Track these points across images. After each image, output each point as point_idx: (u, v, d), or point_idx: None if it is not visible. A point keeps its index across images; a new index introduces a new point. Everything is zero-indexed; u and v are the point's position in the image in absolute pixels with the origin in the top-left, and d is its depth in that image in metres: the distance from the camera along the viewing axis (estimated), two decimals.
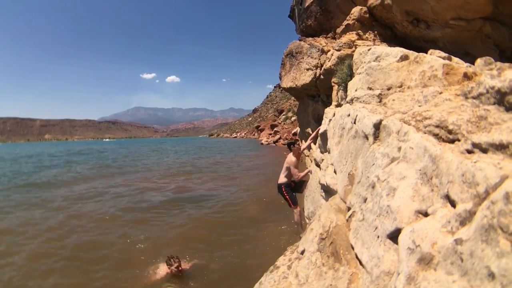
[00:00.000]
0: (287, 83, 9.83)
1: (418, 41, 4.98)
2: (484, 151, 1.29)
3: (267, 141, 51.58)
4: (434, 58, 2.65)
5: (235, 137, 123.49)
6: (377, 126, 2.43)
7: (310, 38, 8.96)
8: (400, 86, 3.01)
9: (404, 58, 3.17)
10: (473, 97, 1.57)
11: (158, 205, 9.17)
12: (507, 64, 1.46)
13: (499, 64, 1.54)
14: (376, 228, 1.80)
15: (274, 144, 45.96)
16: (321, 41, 8.24)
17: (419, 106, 2.23)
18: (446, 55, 2.86)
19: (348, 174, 2.89)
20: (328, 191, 3.91)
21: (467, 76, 2.20)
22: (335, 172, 3.63)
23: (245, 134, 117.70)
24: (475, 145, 1.34)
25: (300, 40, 9.42)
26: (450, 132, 1.56)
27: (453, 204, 1.28)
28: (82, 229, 6.94)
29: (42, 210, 8.72)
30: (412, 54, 3.13)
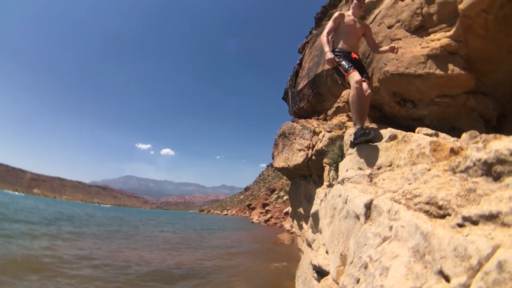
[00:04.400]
0: (279, 163, 9.98)
1: (406, 120, 5.21)
2: (475, 223, 1.30)
3: (258, 219, 50.48)
4: (421, 137, 2.77)
5: (226, 214, 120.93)
6: (368, 206, 2.44)
7: (303, 120, 9.34)
8: (390, 165, 3.09)
9: (393, 138, 3.30)
10: (461, 171, 1.62)
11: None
12: (491, 135, 1.54)
13: (484, 136, 1.62)
14: None
15: (265, 223, 44.92)
16: (313, 123, 8.59)
17: (409, 184, 2.27)
18: (433, 131, 3.00)
19: (340, 254, 2.81)
20: (320, 272, 3.75)
21: (454, 151, 2.28)
22: (327, 252, 3.52)
23: (236, 211, 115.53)
24: (465, 218, 1.35)
25: (293, 122, 9.83)
26: (440, 207, 1.58)
27: (447, 279, 1.25)
28: None
29: None
30: (400, 133, 3.27)
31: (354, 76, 3.74)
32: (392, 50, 4.10)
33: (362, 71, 4.10)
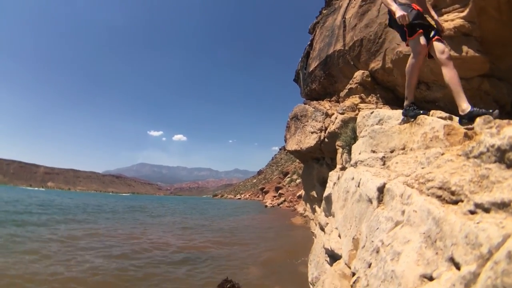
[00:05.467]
0: (292, 146, 9.92)
1: (420, 102, 5.11)
2: (487, 210, 1.28)
3: (271, 203, 50.86)
4: (435, 120, 2.70)
5: (239, 198, 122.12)
6: (381, 190, 2.42)
7: (315, 102, 9.19)
8: (403, 149, 3.03)
9: (406, 120, 3.24)
10: (475, 157, 1.59)
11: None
12: (505, 121, 1.50)
13: (498, 121, 1.58)
14: None
15: (279, 207, 45.22)
16: (325, 105, 8.44)
17: (422, 168, 2.23)
18: (447, 115, 2.92)
19: (353, 238, 2.81)
20: (332, 256, 3.78)
21: (467, 136, 2.23)
22: (339, 236, 3.53)
23: (249, 195, 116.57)
24: (477, 205, 1.33)
25: (305, 104, 9.68)
26: (453, 193, 1.55)
27: (457, 266, 1.24)
28: None
29: None
30: None
31: (419, 41, 3.08)
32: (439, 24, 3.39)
33: (428, 28, 3.23)
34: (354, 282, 2.27)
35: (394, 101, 5.91)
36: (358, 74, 6.45)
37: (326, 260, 4.08)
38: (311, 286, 4.82)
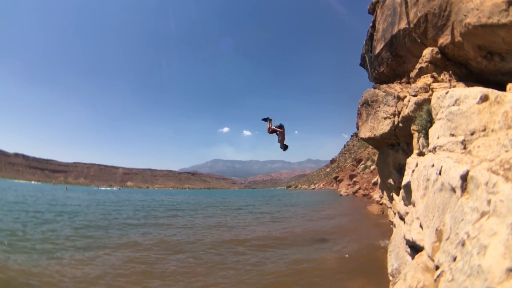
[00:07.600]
0: (365, 133, 9.63)
1: (495, 75, 4.65)
2: None
3: (346, 192, 49.89)
4: None
5: (313, 188, 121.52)
6: (464, 178, 2.30)
7: (385, 85, 8.82)
8: (484, 130, 2.81)
9: (484, 98, 2.98)
10: None
11: None
12: None
13: None
14: None
15: (354, 195, 44.19)
16: (396, 87, 8.07)
17: (506, 151, 2.06)
18: None
19: (436, 230, 2.70)
20: (413, 247, 3.64)
21: None
22: (421, 226, 3.40)
23: (323, 185, 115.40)
24: None
25: (374, 88, 9.29)
26: None
27: None
28: None
29: None
30: (492, 93, 2.93)
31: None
32: None
33: None
34: (438, 276, 2.19)
35: (468, 76, 5.47)
36: (427, 52, 6.09)
37: (406, 251, 3.94)
38: (390, 278, 4.68)
